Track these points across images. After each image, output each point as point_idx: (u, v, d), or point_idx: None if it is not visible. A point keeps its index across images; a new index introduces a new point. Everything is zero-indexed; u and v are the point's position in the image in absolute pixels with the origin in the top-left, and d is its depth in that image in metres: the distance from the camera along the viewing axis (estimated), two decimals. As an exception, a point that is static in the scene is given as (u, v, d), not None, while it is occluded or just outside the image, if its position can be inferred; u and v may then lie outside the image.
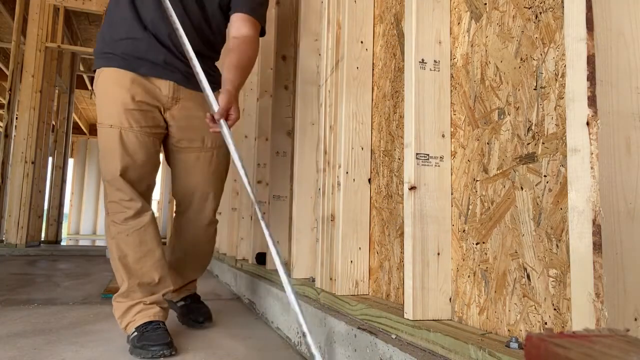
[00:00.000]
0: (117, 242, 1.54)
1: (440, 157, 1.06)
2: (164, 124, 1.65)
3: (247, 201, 2.66)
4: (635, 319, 0.61)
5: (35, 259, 4.62)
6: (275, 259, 1.15)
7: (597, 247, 0.62)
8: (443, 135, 1.06)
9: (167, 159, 1.78)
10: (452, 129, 1.07)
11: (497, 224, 0.92)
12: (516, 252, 0.86)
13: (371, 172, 1.44)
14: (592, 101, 0.64)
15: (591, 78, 0.64)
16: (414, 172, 1.03)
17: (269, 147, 2.33)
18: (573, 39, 0.67)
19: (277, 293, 1.79)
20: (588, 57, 0.64)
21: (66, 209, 8.12)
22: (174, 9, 1.52)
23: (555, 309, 0.77)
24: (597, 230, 0.62)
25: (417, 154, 1.04)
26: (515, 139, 0.89)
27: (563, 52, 0.79)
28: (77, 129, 11.18)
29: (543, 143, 0.82)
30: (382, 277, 1.34)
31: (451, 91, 1.08)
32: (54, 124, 6.70)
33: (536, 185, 0.83)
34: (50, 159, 6.45)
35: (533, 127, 0.84)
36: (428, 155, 1.05)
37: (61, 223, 6.98)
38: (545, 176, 0.81)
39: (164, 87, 1.61)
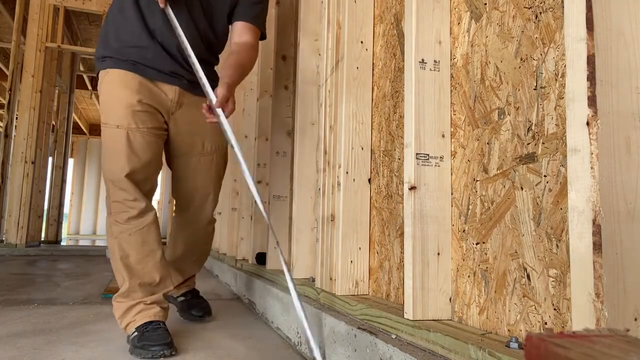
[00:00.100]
0: (119, 242, 1.54)
1: (440, 157, 1.06)
2: (166, 127, 1.68)
3: (247, 201, 2.66)
4: (635, 319, 0.61)
5: (35, 259, 4.62)
6: (282, 265, 1.19)
7: (597, 247, 0.62)
8: (443, 135, 1.06)
9: (168, 161, 1.81)
10: (452, 129, 1.07)
11: (497, 224, 0.92)
12: (516, 252, 0.86)
13: (371, 172, 1.44)
14: (592, 101, 0.64)
15: (591, 78, 0.64)
16: (414, 172, 1.03)
17: (269, 147, 2.33)
18: (573, 39, 0.67)
19: (277, 293, 1.79)
20: (588, 57, 0.64)
21: (66, 209, 8.12)
22: (181, 17, 1.57)
23: (555, 309, 0.77)
24: (597, 230, 0.62)
25: (417, 154, 1.04)
26: (515, 139, 0.89)
27: (563, 52, 0.79)
28: (77, 129, 11.18)
29: (543, 143, 0.82)
30: (382, 277, 1.34)
31: (451, 91, 1.08)
32: (54, 124, 6.70)
33: (536, 185, 0.83)
34: (50, 159, 6.45)
35: (533, 127, 0.84)
36: (428, 155, 1.05)
37: (61, 223, 6.98)
38: (545, 176, 0.81)
39: (170, 91, 1.64)
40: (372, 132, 1.45)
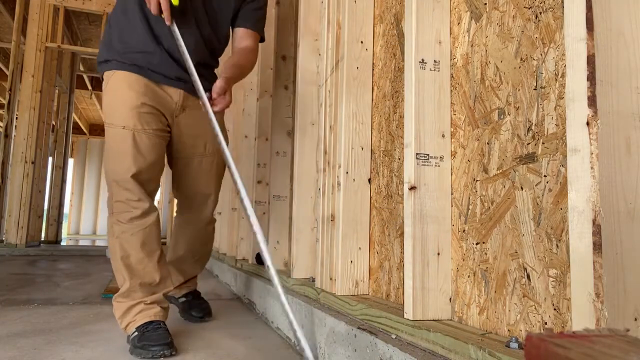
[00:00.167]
0: (120, 242, 1.54)
1: (440, 157, 1.06)
2: (169, 129, 1.71)
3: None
4: (635, 319, 0.61)
5: (35, 259, 4.62)
6: (261, 243, 1.26)
7: (597, 247, 0.62)
8: (443, 135, 1.06)
9: (170, 162, 1.84)
10: (452, 129, 1.07)
11: (497, 224, 0.92)
12: (516, 252, 0.86)
13: (371, 172, 1.44)
14: (592, 101, 0.64)
15: (591, 78, 0.64)
16: (414, 172, 1.03)
17: (269, 147, 2.33)
18: (573, 39, 0.67)
19: (277, 293, 1.79)
20: (588, 57, 0.64)
21: (66, 209, 8.12)
22: (186, 25, 1.62)
23: (555, 309, 0.77)
24: (597, 230, 0.62)
25: (417, 154, 1.04)
26: (515, 139, 0.89)
27: (563, 52, 0.79)
28: (77, 129, 11.18)
29: (543, 143, 0.82)
30: (382, 277, 1.34)
31: (451, 91, 1.08)
32: (54, 124, 6.70)
33: (536, 185, 0.83)
34: (50, 159, 6.45)
35: (533, 127, 0.84)
36: (428, 155, 1.05)
37: (61, 223, 6.97)
38: (545, 176, 0.81)
39: (175, 94, 1.67)
40: (372, 132, 1.45)
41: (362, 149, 1.43)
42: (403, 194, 1.09)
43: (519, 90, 0.89)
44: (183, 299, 1.98)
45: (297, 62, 1.92)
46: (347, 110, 1.43)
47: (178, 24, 1.57)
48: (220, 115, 1.68)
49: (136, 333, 1.46)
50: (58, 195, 6.86)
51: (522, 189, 0.86)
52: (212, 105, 1.49)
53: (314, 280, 1.65)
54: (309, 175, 1.82)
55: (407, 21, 1.09)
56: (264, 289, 2.02)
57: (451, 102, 1.08)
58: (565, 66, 0.71)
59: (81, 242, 8.62)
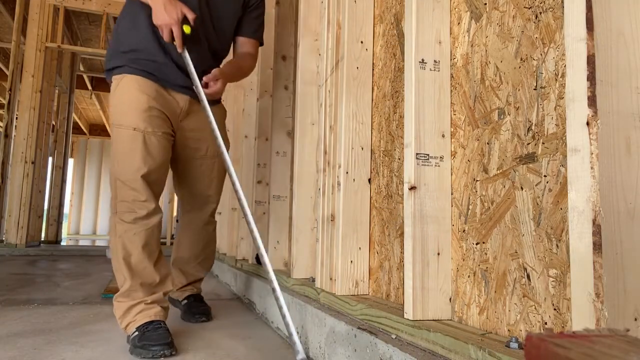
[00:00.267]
0: (122, 241, 1.55)
1: (440, 157, 1.06)
2: (174, 133, 1.76)
3: (247, 201, 2.65)
4: (635, 319, 0.61)
5: (35, 259, 4.62)
6: (256, 239, 1.30)
7: (597, 247, 0.62)
8: (443, 135, 1.06)
9: (172, 164, 1.86)
10: (452, 129, 1.07)
11: (497, 224, 0.92)
12: (516, 252, 0.86)
13: (371, 172, 1.44)
14: (592, 101, 0.64)
15: (591, 78, 0.64)
16: (414, 172, 1.03)
17: (269, 147, 2.33)
18: (573, 39, 0.67)
19: (277, 293, 1.79)
20: (588, 57, 0.64)
21: (66, 209, 8.12)
22: (197, 44, 1.71)
23: (555, 309, 0.77)
24: (597, 230, 0.62)
25: (417, 154, 1.04)
26: (515, 139, 0.89)
27: (563, 52, 0.79)
28: (77, 129, 11.18)
29: (543, 143, 0.82)
30: (382, 277, 1.34)
31: (451, 91, 1.08)
32: (54, 124, 6.70)
33: (536, 185, 0.83)
34: (50, 159, 6.45)
35: (533, 127, 0.84)
36: (428, 155, 1.05)
37: (61, 223, 6.98)
38: (545, 176, 0.81)
39: (182, 100, 1.74)
40: (372, 132, 1.45)
41: (362, 149, 1.43)
42: (403, 194, 1.09)
43: (519, 90, 0.89)
44: (185, 302, 1.99)
45: (297, 62, 1.92)
46: (347, 110, 1.43)
47: (189, 46, 1.65)
48: (221, 119, 1.76)
49: (136, 333, 1.46)
50: (58, 195, 6.86)
51: (522, 189, 0.86)
52: (204, 87, 1.62)
53: (314, 280, 1.65)
54: (309, 175, 1.82)
55: (407, 21, 1.09)
56: (263, 288, 2.02)
57: (451, 102, 1.08)
58: (565, 66, 0.71)
59: (81, 242, 8.62)
